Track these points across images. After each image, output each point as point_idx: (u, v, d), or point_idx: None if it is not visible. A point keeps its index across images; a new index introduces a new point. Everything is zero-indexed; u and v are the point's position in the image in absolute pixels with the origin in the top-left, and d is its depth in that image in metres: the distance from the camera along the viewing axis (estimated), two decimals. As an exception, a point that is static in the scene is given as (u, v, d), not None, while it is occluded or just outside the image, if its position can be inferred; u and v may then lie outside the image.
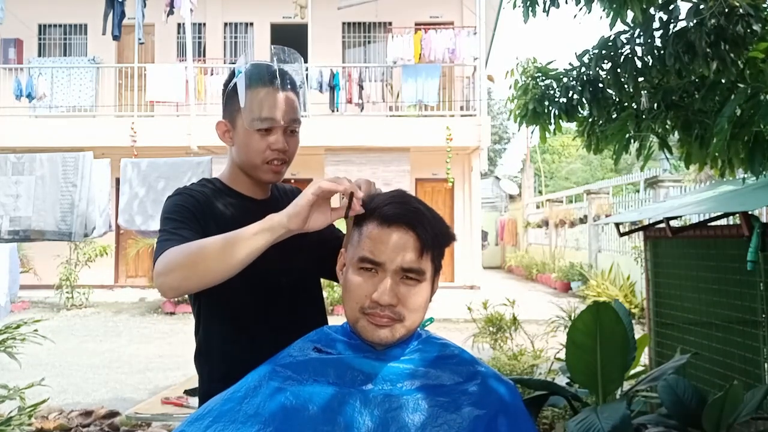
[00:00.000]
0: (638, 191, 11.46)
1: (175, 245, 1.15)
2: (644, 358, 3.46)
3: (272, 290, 1.36)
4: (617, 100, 2.57)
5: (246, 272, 1.14)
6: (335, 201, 1.11)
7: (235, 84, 1.33)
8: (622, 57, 2.27)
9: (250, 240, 1.07)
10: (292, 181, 12.20)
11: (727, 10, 1.89)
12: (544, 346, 5.07)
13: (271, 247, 1.09)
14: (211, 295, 1.30)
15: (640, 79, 2.29)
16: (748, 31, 1.91)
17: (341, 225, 1.31)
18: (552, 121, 2.72)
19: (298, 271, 1.40)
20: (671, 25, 2.10)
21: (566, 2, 2.37)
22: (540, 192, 21.85)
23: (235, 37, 13.14)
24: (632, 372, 2.95)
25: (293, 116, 1.34)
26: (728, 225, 3.08)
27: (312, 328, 1.19)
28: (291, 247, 1.21)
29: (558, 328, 5.35)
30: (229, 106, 1.37)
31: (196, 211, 1.30)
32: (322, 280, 1.54)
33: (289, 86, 1.33)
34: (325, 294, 1.61)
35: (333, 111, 11.33)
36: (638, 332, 3.22)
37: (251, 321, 1.36)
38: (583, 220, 12.46)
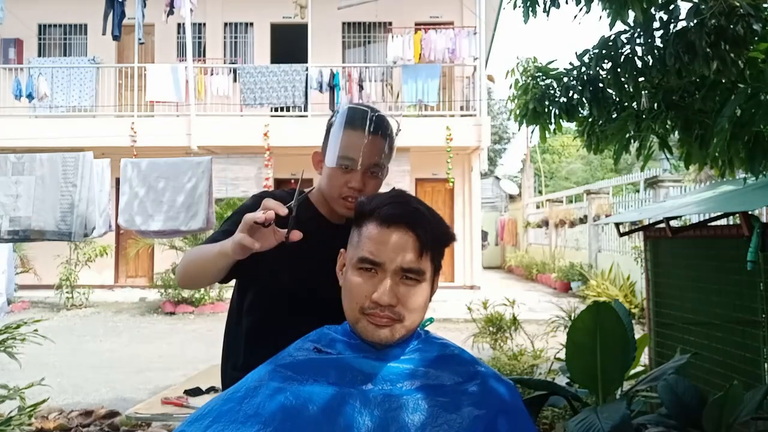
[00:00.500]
0: (638, 191, 11.46)
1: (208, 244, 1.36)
2: (644, 358, 3.46)
3: (307, 300, 1.45)
4: (617, 99, 2.57)
5: (287, 281, 1.40)
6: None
7: (334, 121, 1.46)
8: (623, 57, 2.27)
9: (215, 260, 1.27)
10: (292, 181, 12.20)
11: (727, 10, 1.89)
12: (544, 346, 5.07)
13: (311, 257, 1.30)
14: (257, 294, 1.49)
15: (641, 79, 2.29)
16: (749, 31, 1.91)
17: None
18: (552, 120, 2.72)
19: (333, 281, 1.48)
20: (671, 25, 2.10)
21: (566, 2, 2.37)
22: (540, 192, 21.85)
23: (235, 37, 13.13)
24: (632, 372, 2.95)
25: (375, 161, 1.44)
26: (728, 225, 3.08)
27: None
28: (327, 257, 1.30)
29: (558, 328, 5.36)
30: (325, 140, 1.49)
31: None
32: None
33: (379, 132, 1.44)
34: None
35: (333, 111, 11.32)
36: (638, 332, 3.23)
37: (286, 322, 1.44)
38: (583, 220, 12.46)
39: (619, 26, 2.23)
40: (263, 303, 1.47)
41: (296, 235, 1.17)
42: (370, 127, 1.41)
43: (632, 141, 2.50)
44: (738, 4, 1.90)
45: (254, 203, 1.44)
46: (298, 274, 1.41)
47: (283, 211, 1.14)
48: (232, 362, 1.51)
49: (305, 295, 1.43)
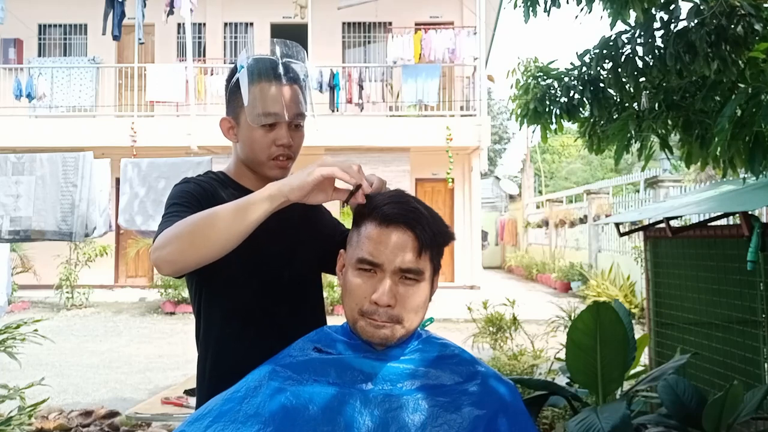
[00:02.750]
0: (638, 191, 11.46)
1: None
2: (644, 358, 3.46)
3: (274, 282, 1.34)
4: (618, 100, 2.57)
5: (248, 263, 1.14)
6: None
7: (238, 79, 1.30)
8: (623, 57, 2.27)
9: (252, 208, 1.06)
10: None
11: (728, 10, 1.89)
12: (544, 346, 5.07)
13: (274, 239, 1.08)
14: (212, 286, 1.29)
15: (641, 79, 2.29)
16: (749, 31, 1.91)
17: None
18: (553, 120, 2.72)
19: (300, 265, 1.38)
20: (672, 25, 2.10)
21: (567, 2, 2.37)
22: (540, 192, 21.85)
23: (235, 37, 13.13)
24: (632, 372, 2.95)
25: (297, 110, 1.31)
26: (728, 225, 3.07)
27: (311, 324, 1.19)
28: (294, 239, 1.20)
29: (558, 328, 5.35)
30: (232, 103, 1.34)
31: (201, 198, 1.27)
32: (323, 280, 1.53)
33: (292, 79, 1.30)
34: (324, 294, 1.61)
35: (333, 111, 11.32)
36: (638, 332, 3.22)
37: (252, 314, 1.33)
38: (583, 220, 12.46)
39: (620, 26, 2.24)
40: (225, 297, 1.32)
41: (362, 198, 1.06)
42: (283, 74, 1.28)
43: (633, 141, 2.50)
44: (738, 4, 1.90)
45: (191, 189, 1.29)
46: (252, 257, 1.23)
47: (367, 186, 1.06)
48: (210, 368, 1.35)
49: (268, 275, 1.30)
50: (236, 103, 1.33)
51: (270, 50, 1.32)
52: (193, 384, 3.24)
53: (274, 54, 1.30)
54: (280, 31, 13.05)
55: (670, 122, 2.44)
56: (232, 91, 1.33)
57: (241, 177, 1.39)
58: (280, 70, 1.28)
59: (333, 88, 11.22)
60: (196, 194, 1.28)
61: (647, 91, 2.38)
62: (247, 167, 1.37)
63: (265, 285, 1.33)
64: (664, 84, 2.35)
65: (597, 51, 2.40)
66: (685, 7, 2.04)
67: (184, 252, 1.08)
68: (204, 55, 12.68)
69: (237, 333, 1.32)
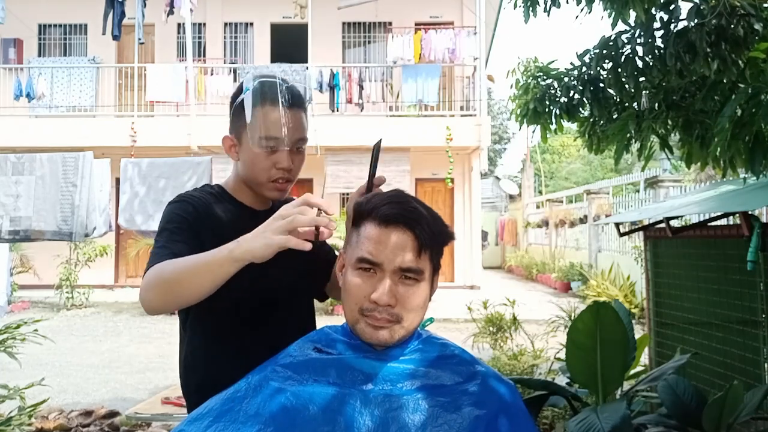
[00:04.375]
0: (638, 191, 11.46)
1: (163, 260, 1.17)
2: (644, 358, 3.46)
3: (265, 306, 1.36)
4: (618, 99, 2.57)
5: (238, 289, 1.16)
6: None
7: (243, 100, 1.31)
8: (623, 57, 2.27)
9: (219, 269, 1.08)
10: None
11: (728, 10, 1.89)
12: (544, 346, 5.07)
13: (265, 264, 1.08)
14: (200, 310, 1.29)
15: (641, 79, 2.29)
16: (749, 31, 1.91)
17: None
18: (553, 120, 2.72)
19: (289, 287, 1.39)
20: (672, 25, 2.10)
21: (567, 2, 2.37)
22: (540, 192, 21.84)
23: (235, 37, 13.13)
24: (632, 372, 2.95)
25: (299, 136, 1.32)
26: (728, 225, 3.07)
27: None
28: (285, 265, 1.20)
29: (558, 328, 5.35)
30: (236, 122, 1.35)
31: (193, 220, 1.29)
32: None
33: (296, 104, 1.32)
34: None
35: (333, 111, 11.33)
36: (638, 332, 3.22)
37: (240, 335, 1.34)
38: (583, 220, 12.46)
39: (620, 26, 2.23)
40: (211, 312, 1.31)
41: (328, 233, 1.06)
42: (286, 101, 1.29)
43: (633, 141, 2.50)
44: (738, 4, 1.90)
45: (184, 210, 1.30)
46: (240, 273, 1.18)
47: (333, 210, 1.06)
48: (196, 382, 1.36)
49: (255, 294, 1.31)
50: (239, 122, 1.34)
51: (274, 73, 1.35)
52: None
53: (279, 77, 1.32)
54: (280, 31, 13.05)
55: (670, 122, 2.44)
56: (237, 110, 1.35)
57: (239, 193, 1.40)
58: (284, 94, 1.30)
59: (333, 88, 11.23)
60: (187, 216, 1.29)
61: (647, 91, 2.38)
62: (246, 185, 1.39)
63: (255, 309, 1.34)
64: (664, 84, 2.35)
65: (597, 51, 2.40)
66: (685, 7, 2.05)
67: (164, 299, 1.14)
68: (204, 55, 12.68)
69: (220, 352, 1.33)
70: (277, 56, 12.84)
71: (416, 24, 12.16)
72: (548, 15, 2.39)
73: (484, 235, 15.28)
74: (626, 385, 2.57)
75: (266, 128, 1.29)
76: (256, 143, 1.30)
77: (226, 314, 1.32)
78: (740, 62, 2.00)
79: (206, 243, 1.20)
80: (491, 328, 5.49)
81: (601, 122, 2.69)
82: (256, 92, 1.29)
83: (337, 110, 11.35)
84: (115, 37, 8.79)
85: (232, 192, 1.41)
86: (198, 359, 1.36)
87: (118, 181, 4.90)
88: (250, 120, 1.29)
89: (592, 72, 2.48)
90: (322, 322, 1.30)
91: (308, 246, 1.02)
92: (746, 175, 2.28)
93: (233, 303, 1.30)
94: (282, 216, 1.05)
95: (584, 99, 2.56)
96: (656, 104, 2.34)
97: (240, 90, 1.34)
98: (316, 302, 1.56)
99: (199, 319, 1.35)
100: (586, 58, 2.51)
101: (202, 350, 1.35)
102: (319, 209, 1.05)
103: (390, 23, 12.32)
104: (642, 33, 2.22)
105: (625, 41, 2.27)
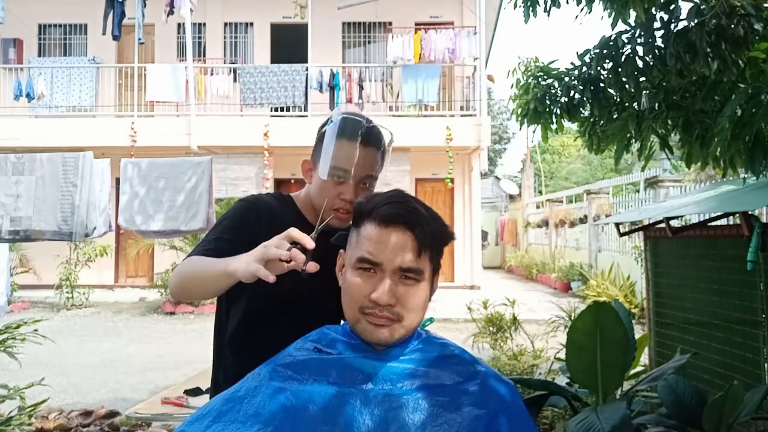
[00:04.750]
0: (638, 191, 11.46)
1: (198, 254, 1.32)
2: (644, 358, 3.46)
3: (301, 311, 1.43)
4: (618, 99, 2.57)
5: (280, 292, 1.27)
6: None
7: (325, 131, 1.43)
8: (623, 57, 2.27)
9: (218, 279, 1.20)
10: (292, 181, 12.20)
11: (728, 9, 1.89)
12: (544, 346, 5.07)
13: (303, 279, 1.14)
14: (237, 302, 1.45)
15: (641, 78, 2.29)
16: (749, 31, 1.91)
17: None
18: (553, 120, 2.72)
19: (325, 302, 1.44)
20: (672, 25, 2.10)
21: (567, 2, 2.37)
22: (540, 192, 21.84)
23: (235, 37, 13.14)
24: (632, 372, 2.95)
25: (367, 173, 1.42)
26: (728, 225, 3.07)
27: None
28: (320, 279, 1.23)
29: (558, 328, 5.36)
30: (317, 150, 1.46)
31: (248, 222, 1.41)
32: None
33: (372, 143, 1.41)
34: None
35: (328, 118, 11.32)
36: (638, 332, 3.22)
37: (274, 329, 1.42)
38: (583, 220, 12.46)
39: (620, 26, 2.24)
40: (251, 310, 1.44)
41: (313, 266, 1.07)
42: (363, 139, 1.39)
43: (633, 141, 2.50)
44: (738, 4, 1.90)
45: (248, 210, 1.43)
46: (285, 280, 1.27)
47: (310, 244, 1.07)
48: (222, 372, 1.52)
49: (292, 301, 1.41)
50: (319, 151, 1.45)
51: (361, 114, 1.46)
52: (193, 384, 3.24)
53: (364, 117, 1.43)
54: (280, 31, 13.06)
55: (670, 122, 2.44)
56: (319, 139, 1.47)
57: (305, 208, 1.52)
58: (363, 132, 1.39)
59: (333, 88, 11.23)
60: (247, 218, 1.42)
61: (647, 91, 2.38)
62: (312, 205, 1.50)
63: (287, 307, 1.43)
64: (664, 84, 2.35)
65: (597, 51, 2.40)
66: (685, 7, 2.05)
67: (179, 292, 1.34)
68: (204, 55, 12.68)
69: (253, 343, 1.43)
70: (277, 56, 12.84)
71: (416, 24, 12.16)
72: (548, 15, 2.39)
73: (484, 235, 15.28)
74: (626, 385, 2.57)
75: (337, 159, 1.39)
76: (324, 171, 1.40)
77: (266, 307, 1.43)
78: (740, 62, 2.00)
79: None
80: (491, 328, 5.49)
81: (602, 122, 2.69)
82: (336, 125, 1.40)
83: (337, 110, 11.34)
84: (115, 37, 8.81)
85: (300, 206, 1.52)
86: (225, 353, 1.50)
87: (118, 181, 4.90)
88: (324, 149, 1.41)
89: (592, 72, 2.48)
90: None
91: (272, 278, 1.07)
92: (746, 175, 2.28)
93: (271, 298, 1.40)
94: (265, 245, 1.10)
95: (584, 99, 2.56)
96: (656, 104, 2.33)
97: (327, 122, 1.46)
98: None
99: (241, 311, 1.46)
100: (587, 58, 2.51)
101: (241, 339, 1.46)
102: (295, 243, 1.08)
103: (390, 23, 12.32)
104: (642, 33, 2.22)
105: (625, 41, 2.27)
